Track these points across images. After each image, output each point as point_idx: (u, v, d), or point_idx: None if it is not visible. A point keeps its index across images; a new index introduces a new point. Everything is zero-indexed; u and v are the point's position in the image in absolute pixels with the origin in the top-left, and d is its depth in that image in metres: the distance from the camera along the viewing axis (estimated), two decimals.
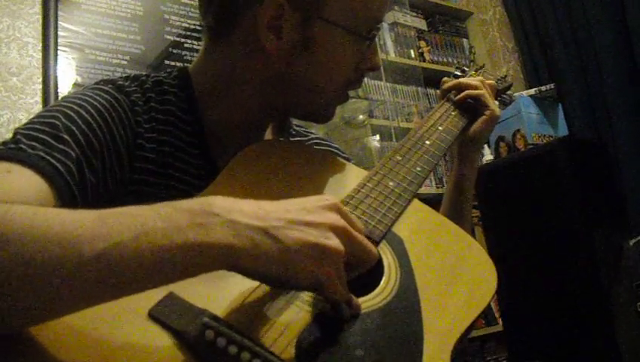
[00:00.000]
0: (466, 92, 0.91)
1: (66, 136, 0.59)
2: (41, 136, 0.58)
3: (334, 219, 0.49)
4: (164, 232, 0.42)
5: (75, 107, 0.63)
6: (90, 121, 0.62)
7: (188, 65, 0.77)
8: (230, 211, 0.45)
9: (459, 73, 1.03)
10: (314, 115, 0.77)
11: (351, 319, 0.50)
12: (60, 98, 0.66)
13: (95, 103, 0.64)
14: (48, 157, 0.56)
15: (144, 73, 0.74)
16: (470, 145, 0.91)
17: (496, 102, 1.06)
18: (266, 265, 0.45)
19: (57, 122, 0.60)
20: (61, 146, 0.58)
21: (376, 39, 0.75)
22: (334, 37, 0.69)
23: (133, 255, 0.41)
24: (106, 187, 0.62)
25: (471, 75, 1.01)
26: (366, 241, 0.51)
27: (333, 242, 0.47)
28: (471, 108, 0.90)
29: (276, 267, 0.45)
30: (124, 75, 0.73)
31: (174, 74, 0.75)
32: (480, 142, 0.92)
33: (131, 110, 0.67)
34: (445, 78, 0.97)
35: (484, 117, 0.90)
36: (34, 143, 0.57)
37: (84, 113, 0.62)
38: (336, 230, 0.48)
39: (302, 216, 0.48)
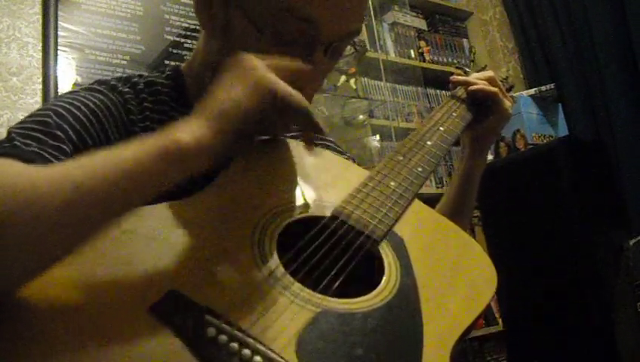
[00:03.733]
0: (479, 87, 0.89)
1: (59, 133, 0.60)
2: (34, 133, 0.58)
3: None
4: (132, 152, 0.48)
5: (68, 106, 0.63)
6: (82, 120, 0.62)
7: (181, 64, 0.78)
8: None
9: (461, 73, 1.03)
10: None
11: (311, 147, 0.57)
12: (54, 98, 0.67)
13: (87, 102, 0.65)
14: (43, 153, 0.57)
15: (137, 74, 0.75)
16: (481, 141, 0.92)
17: None
18: (234, 118, 0.52)
19: (50, 120, 0.60)
20: (55, 143, 0.58)
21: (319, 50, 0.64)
22: (244, 29, 0.63)
23: (119, 168, 0.46)
24: None
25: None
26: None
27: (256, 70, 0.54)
28: (480, 103, 0.90)
29: (238, 110, 0.52)
30: (116, 77, 0.73)
31: (167, 73, 0.76)
32: (491, 138, 0.93)
33: (125, 109, 0.67)
34: (455, 76, 0.95)
35: (497, 115, 0.89)
36: (28, 141, 0.57)
37: (76, 111, 0.63)
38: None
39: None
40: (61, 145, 0.59)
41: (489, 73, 0.93)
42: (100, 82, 0.70)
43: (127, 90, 0.70)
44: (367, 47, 2.69)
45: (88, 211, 0.45)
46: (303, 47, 0.63)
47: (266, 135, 0.62)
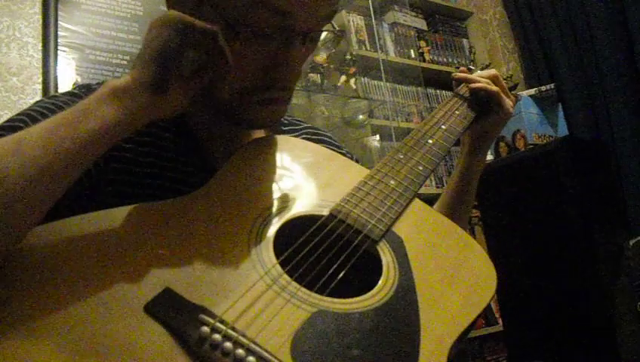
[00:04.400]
0: (481, 85, 0.89)
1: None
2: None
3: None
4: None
5: (44, 111, 0.63)
6: None
7: None
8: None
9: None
10: (233, 119, 0.70)
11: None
12: (34, 102, 0.67)
13: (65, 107, 0.63)
14: None
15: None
16: (481, 140, 0.91)
17: None
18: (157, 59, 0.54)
19: (24, 125, 0.60)
20: None
21: (293, 43, 0.63)
22: (216, 24, 0.60)
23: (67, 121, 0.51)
24: (82, 186, 0.62)
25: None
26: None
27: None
28: (482, 102, 0.90)
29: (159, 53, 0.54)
30: (100, 81, 0.72)
31: None
32: (492, 137, 0.92)
33: None
34: (458, 72, 0.95)
35: (498, 114, 0.89)
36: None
37: (51, 115, 0.62)
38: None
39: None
40: None
41: (492, 71, 0.93)
42: (81, 86, 0.70)
43: None
44: (367, 47, 2.69)
45: (45, 170, 0.47)
46: (280, 41, 0.63)
47: (197, 77, 0.61)
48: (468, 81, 0.91)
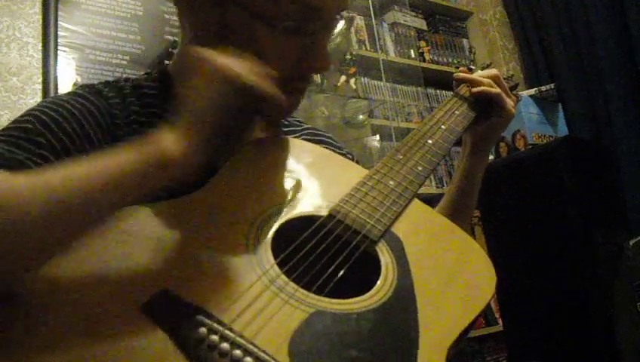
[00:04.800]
0: (482, 89, 0.88)
1: (41, 140, 0.60)
2: (16, 140, 0.59)
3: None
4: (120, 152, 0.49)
5: (50, 111, 0.63)
6: (64, 126, 0.62)
7: (169, 63, 0.77)
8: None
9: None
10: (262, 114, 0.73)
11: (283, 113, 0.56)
12: (37, 103, 0.67)
13: (69, 108, 0.64)
14: (27, 162, 0.57)
15: (123, 78, 0.74)
16: (484, 141, 0.91)
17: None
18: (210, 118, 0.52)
19: (31, 126, 0.60)
20: (37, 150, 0.58)
21: (317, 34, 0.67)
22: (250, 26, 0.63)
23: (98, 168, 0.48)
24: None
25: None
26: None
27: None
28: (483, 103, 0.89)
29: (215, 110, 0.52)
30: (103, 81, 0.72)
31: (154, 75, 0.75)
32: (494, 138, 0.92)
33: (109, 114, 0.67)
34: (460, 71, 0.94)
35: (500, 115, 0.89)
36: (10, 148, 0.57)
37: (57, 117, 0.62)
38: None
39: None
40: (43, 151, 0.59)
41: (493, 71, 0.92)
42: (84, 87, 0.70)
43: (112, 94, 0.69)
44: (367, 47, 2.69)
45: (68, 218, 0.45)
46: (309, 32, 0.66)
47: (247, 126, 0.62)
48: (470, 82, 0.90)
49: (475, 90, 0.88)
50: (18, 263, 0.44)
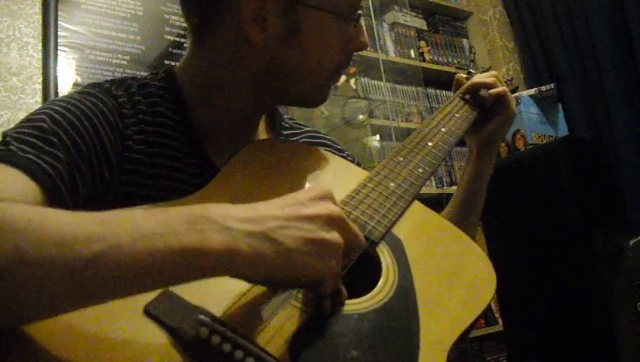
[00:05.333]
0: (500, 90, 0.89)
1: (54, 139, 0.59)
2: (30, 139, 0.58)
3: (330, 208, 0.48)
4: (161, 237, 0.41)
5: (63, 110, 0.63)
6: (77, 125, 0.62)
7: (174, 64, 0.78)
8: (225, 217, 0.44)
9: (464, 75, 1.02)
10: (307, 101, 0.78)
11: (333, 313, 0.50)
12: (48, 101, 0.67)
13: (82, 107, 0.64)
14: (39, 161, 0.56)
15: (129, 76, 0.75)
16: (489, 144, 0.91)
17: None
18: (267, 269, 0.44)
19: (45, 125, 0.60)
20: (51, 150, 0.58)
21: (361, 19, 0.75)
22: (319, 21, 0.69)
23: (130, 258, 0.40)
24: (95, 189, 0.62)
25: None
26: (356, 228, 0.51)
27: (333, 235, 0.47)
28: (483, 104, 0.90)
29: (278, 270, 0.45)
30: (110, 79, 0.73)
31: (161, 75, 0.76)
32: (498, 140, 0.92)
33: (119, 113, 0.67)
34: (459, 76, 0.96)
35: (502, 117, 0.89)
36: (24, 146, 0.57)
37: (70, 116, 0.63)
38: (332, 220, 0.48)
39: (297, 211, 0.47)
40: (56, 151, 0.59)
41: (493, 73, 0.93)
42: (93, 85, 0.70)
43: (120, 93, 0.70)
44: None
45: (95, 288, 0.40)
46: (353, 22, 0.73)
47: None
48: (473, 90, 0.91)
49: (494, 91, 0.89)
50: (21, 315, 0.40)
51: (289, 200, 0.49)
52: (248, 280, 0.46)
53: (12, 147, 0.56)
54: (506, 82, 1.02)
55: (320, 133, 0.93)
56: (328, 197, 0.50)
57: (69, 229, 0.40)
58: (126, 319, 0.44)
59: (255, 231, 0.44)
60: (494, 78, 0.91)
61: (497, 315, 2.45)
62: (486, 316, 2.50)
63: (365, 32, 0.77)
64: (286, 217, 0.46)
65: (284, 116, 0.88)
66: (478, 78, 0.93)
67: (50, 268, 0.39)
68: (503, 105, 0.89)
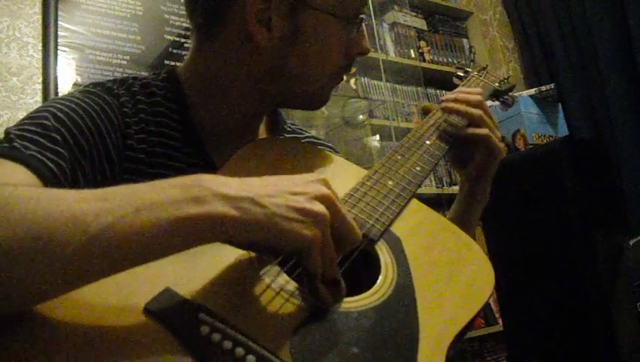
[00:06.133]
0: (472, 131, 0.80)
1: (57, 136, 0.60)
2: (33, 136, 0.59)
3: (320, 189, 0.50)
4: (162, 206, 0.44)
5: (65, 108, 0.63)
6: (79, 123, 0.63)
7: (177, 65, 0.78)
8: (219, 185, 0.47)
9: (461, 74, 1.02)
10: (308, 103, 0.78)
11: (332, 307, 0.51)
12: (49, 99, 0.68)
13: (84, 105, 0.65)
14: (42, 158, 0.57)
15: (131, 76, 0.75)
16: (478, 182, 0.85)
17: (498, 103, 1.05)
18: (253, 231, 0.46)
19: (48, 123, 0.61)
20: (54, 147, 0.59)
21: (363, 24, 0.77)
22: (322, 24, 0.71)
23: (136, 228, 0.42)
24: (96, 187, 0.62)
25: (473, 77, 0.99)
26: (350, 218, 0.51)
27: (317, 206, 0.48)
28: (456, 133, 0.81)
29: (263, 232, 0.47)
30: (112, 79, 0.73)
31: (163, 75, 0.76)
32: (488, 176, 0.85)
33: (120, 112, 0.68)
34: (447, 97, 0.84)
35: (489, 158, 0.81)
36: (26, 143, 0.57)
37: (73, 115, 0.63)
38: (321, 198, 0.49)
39: (288, 187, 0.49)
40: (59, 148, 0.59)
41: (478, 97, 0.82)
42: (95, 84, 0.71)
43: (122, 92, 0.70)
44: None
45: (105, 259, 0.42)
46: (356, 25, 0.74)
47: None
48: (457, 113, 0.81)
49: (464, 133, 0.80)
50: (31, 293, 0.41)
51: (284, 179, 0.51)
52: (236, 243, 0.48)
53: (16, 144, 0.57)
54: (500, 81, 1.01)
55: (320, 139, 0.94)
56: (321, 181, 0.51)
57: (76, 205, 0.42)
58: (126, 317, 0.44)
59: (244, 197, 0.47)
60: (476, 110, 0.80)
61: (497, 315, 2.45)
62: (486, 316, 2.50)
63: (367, 38, 0.78)
64: (276, 189, 0.49)
65: (287, 121, 0.89)
66: (461, 95, 0.83)
67: (61, 245, 0.40)
68: (487, 148, 0.80)
